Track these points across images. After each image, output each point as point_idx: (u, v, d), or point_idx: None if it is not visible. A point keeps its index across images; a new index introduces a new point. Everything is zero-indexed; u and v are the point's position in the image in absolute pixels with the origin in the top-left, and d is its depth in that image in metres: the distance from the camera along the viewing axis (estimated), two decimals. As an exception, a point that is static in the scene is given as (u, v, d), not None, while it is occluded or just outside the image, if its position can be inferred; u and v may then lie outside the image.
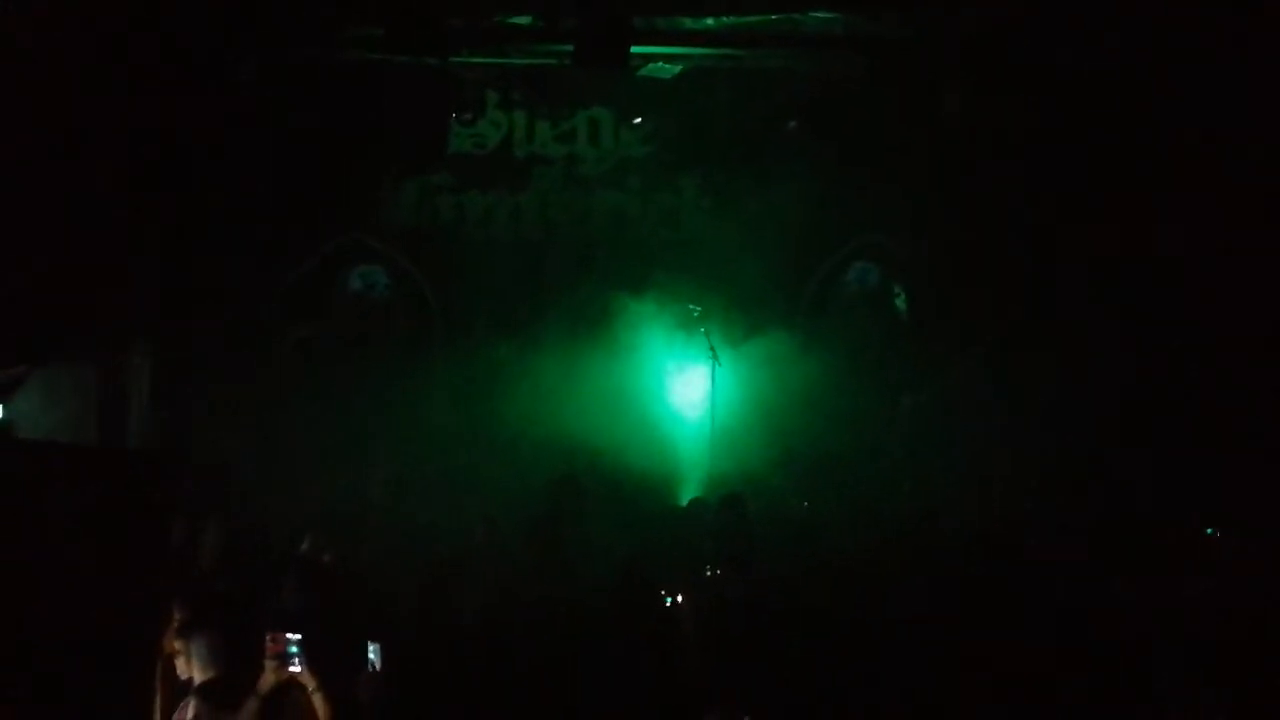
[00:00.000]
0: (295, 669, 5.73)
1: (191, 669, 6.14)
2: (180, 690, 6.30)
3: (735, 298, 11.96)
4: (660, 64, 11.77)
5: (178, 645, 6.38)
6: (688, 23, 11.12)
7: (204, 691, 6.06)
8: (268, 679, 5.83)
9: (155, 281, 11.07)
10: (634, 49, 10.86)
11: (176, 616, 6.57)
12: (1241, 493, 8.76)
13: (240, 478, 9.81)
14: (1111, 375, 10.57)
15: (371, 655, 6.06)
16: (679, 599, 7.10)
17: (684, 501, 10.83)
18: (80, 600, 7.44)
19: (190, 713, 5.99)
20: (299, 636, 5.76)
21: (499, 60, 11.92)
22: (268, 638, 5.86)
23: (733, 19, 11.01)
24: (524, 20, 10.84)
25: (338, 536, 8.04)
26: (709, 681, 6.28)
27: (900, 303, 12.52)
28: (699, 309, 11.86)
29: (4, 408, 11.02)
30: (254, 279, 11.71)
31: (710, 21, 11.07)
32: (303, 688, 5.74)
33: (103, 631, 6.98)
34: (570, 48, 10.74)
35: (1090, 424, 10.42)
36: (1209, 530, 8.11)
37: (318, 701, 5.68)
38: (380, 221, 12.67)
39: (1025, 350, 11.08)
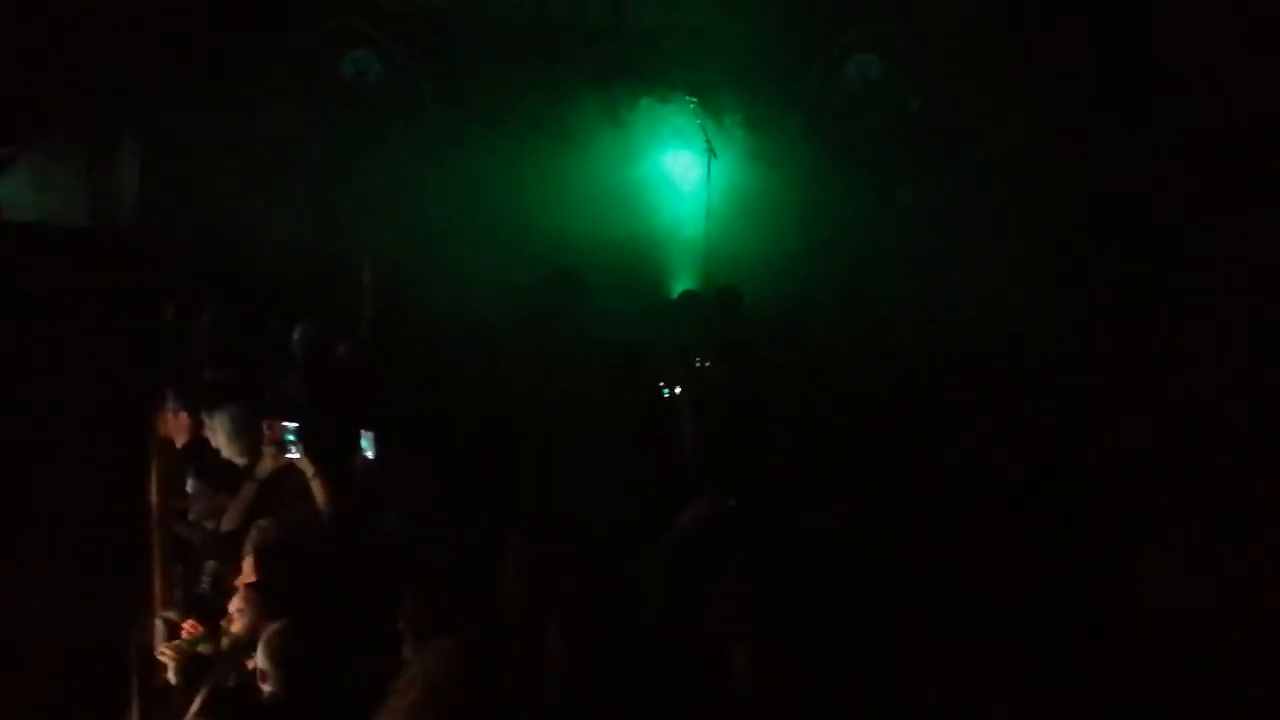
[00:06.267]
0: (293, 455, 5.79)
1: (218, 443, 6.22)
2: (177, 472, 6.39)
3: (733, 89, 11.75)
4: None
5: (173, 422, 6.46)
6: None
7: (200, 471, 6.14)
8: (265, 464, 5.89)
9: (145, 62, 10.83)
10: None
11: (171, 398, 6.64)
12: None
13: (232, 260, 9.78)
14: (1114, 170, 10.44)
15: (364, 443, 6.11)
16: (677, 390, 7.14)
17: (676, 293, 10.86)
18: (71, 381, 7.52)
19: (189, 489, 6.09)
20: (296, 424, 5.80)
21: None
22: (264, 424, 5.91)
23: None
24: None
25: (333, 323, 8.05)
26: (701, 470, 6.34)
27: (906, 96, 12.27)
28: (695, 99, 11.67)
29: (-5, 189, 10.93)
30: (245, 61, 11.46)
31: None
32: (301, 473, 5.80)
33: (96, 411, 7.05)
34: None
35: (1090, 218, 10.33)
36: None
37: (316, 487, 5.74)
38: (372, 5, 12.35)
39: (1025, 146, 10.92)
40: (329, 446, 5.96)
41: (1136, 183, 10.35)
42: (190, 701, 4.57)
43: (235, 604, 4.98)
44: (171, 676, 4.95)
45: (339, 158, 11.58)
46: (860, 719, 4.26)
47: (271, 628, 4.56)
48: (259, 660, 4.52)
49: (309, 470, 5.77)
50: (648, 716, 4.40)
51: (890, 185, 11.70)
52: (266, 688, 4.48)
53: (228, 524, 5.79)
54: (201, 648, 5.08)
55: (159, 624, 5.13)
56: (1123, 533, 5.47)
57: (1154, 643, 4.83)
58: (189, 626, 5.15)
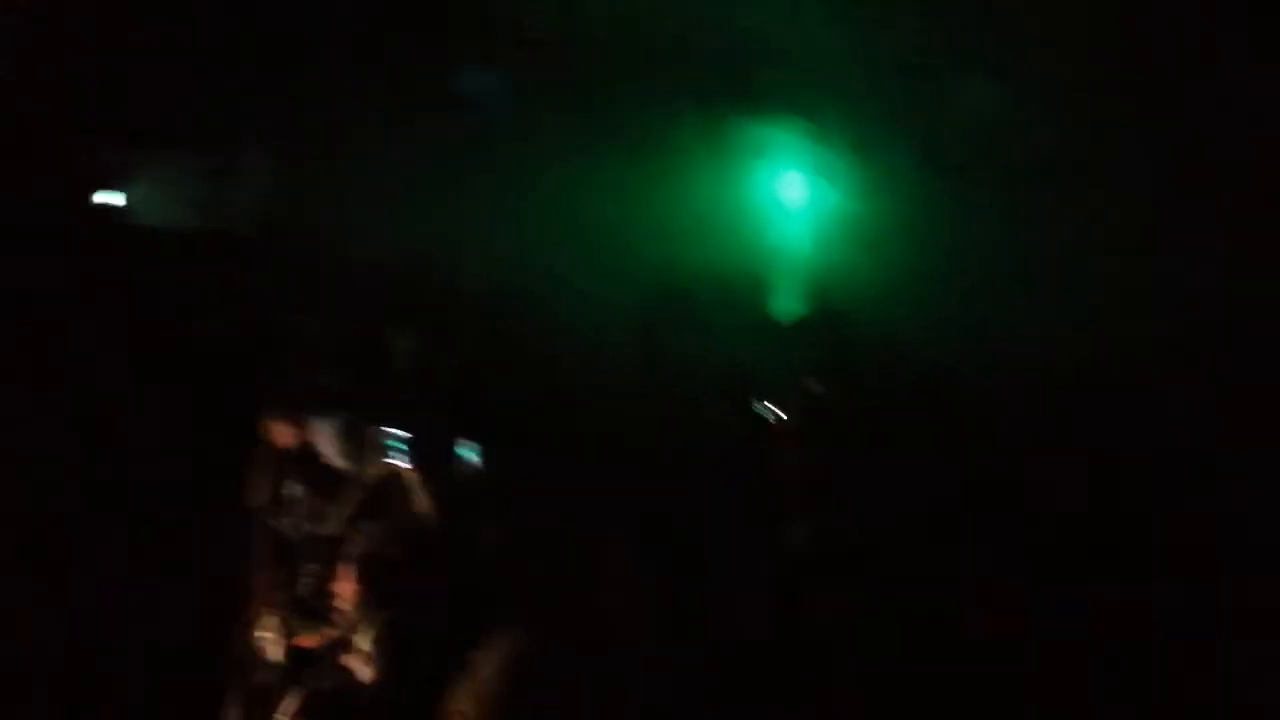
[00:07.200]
0: (398, 463, 5.76)
1: (322, 449, 6.25)
2: (281, 475, 6.44)
3: (844, 109, 11.65)
4: None
5: (281, 428, 6.51)
6: None
7: (303, 475, 6.17)
8: (370, 472, 5.89)
9: (266, 66, 11.02)
10: None
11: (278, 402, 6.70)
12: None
13: (348, 270, 9.91)
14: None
15: (468, 452, 6.08)
16: (782, 411, 7.06)
17: (784, 316, 10.78)
18: (186, 382, 7.66)
19: (292, 492, 6.12)
20: (402, 433, 5.79)
21: None
22: (371, 433, 5.91)
23: None
24: None
25: (440, 331, 8.06)
26: (807, 490, 6.26)
27: (1025, 123, 12.00)
28: (807, 121, 11.60)
29: (117, 194, 11.20)
30: (364, 74, 11.61)
31: None
32: (404, 481, 5.77)
33: (208, 410, 7.18)
34: None
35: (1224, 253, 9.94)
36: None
37: (420, 495, 5.70)
38: (489, 26, 12.43)
39: (1155, 175, 10.61)
40: (433, 455, 5.95)
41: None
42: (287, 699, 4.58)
43: (342, 602, 4.99)
44: (273, 656, 4.99)
45: (449, 171, 11.65)
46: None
47: (379, 615, 4.57)
48: (364, 645, 4.53)
49: (413, 479, 5.74)
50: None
51: (1007, 218, 11.46)
52: (368, 674, 4.49)
53: (331, 528, 5.80)
54: (303, 639, 5.12)
55: (270, 620, 5.20)
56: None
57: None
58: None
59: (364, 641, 4.57)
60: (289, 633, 5.17)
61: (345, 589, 5.08)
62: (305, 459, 6.37)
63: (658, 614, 5.12)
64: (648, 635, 4.82)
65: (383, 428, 5.92)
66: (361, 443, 6.08)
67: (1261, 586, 5.48)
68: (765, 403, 7.47)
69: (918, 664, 4.54)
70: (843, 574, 5.06)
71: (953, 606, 5.09)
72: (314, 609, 5.40)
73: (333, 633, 5.11)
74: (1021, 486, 6.32)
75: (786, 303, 11.19)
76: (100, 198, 11.05)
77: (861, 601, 4.82)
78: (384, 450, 5.84)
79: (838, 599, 4.80)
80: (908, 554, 5.50)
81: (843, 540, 5.51)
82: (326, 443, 6.33)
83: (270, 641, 5.17)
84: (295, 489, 6.17)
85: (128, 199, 11.16)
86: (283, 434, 6.62)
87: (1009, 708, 4.62)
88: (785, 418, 7.29)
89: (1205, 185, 10.10)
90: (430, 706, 4.33)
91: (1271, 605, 5.36)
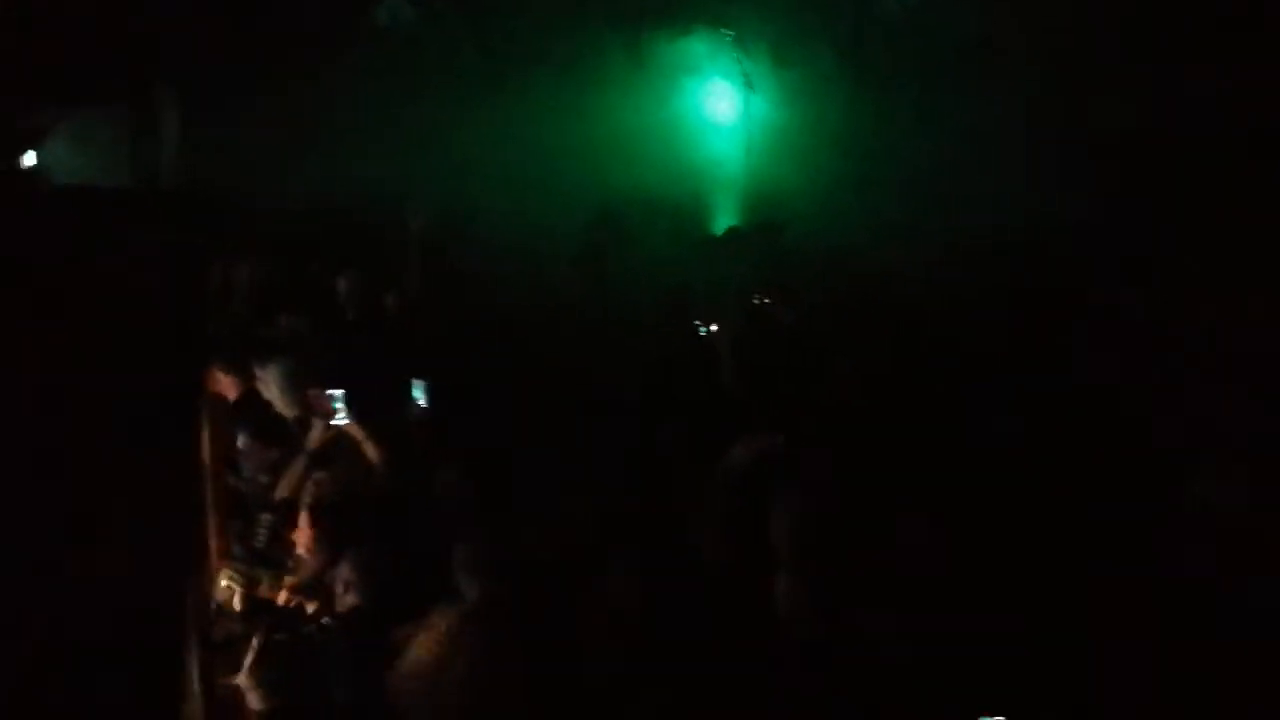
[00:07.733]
0: (342, 422, 5.71)
1: (270, 396, 6.22)
2: (229, 428, 6.44)
3: (769, 20, 11.61)
4: None
5: (225, 379, 6.51)
6: None
7: (251, 427, 6.15)
8: (315, 436, 5.86)
9: (181, 21, 10.84)
10: None
11: (220, 354, 6.70)
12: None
13: (274, 214, 9.83)
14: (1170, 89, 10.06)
15: (417, 394, 6.04)
16: (714, 327, 7.09)
17: (720, 230, 10.81)
18: (119, 340, 7.63)
19: (241, 444, 6.12)
20: (342, 391, 5.72)
21: None
22: (310, 394, 5.85)
23: None
24: None
25: (380, 274, 8.01)
26: (747, 408, 6.32)
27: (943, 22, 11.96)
28: (732, 32, 11.56)
29: (36, 154, 11.04)
30: (280, 13, 11.44)
31: None
32: (351, 439, 5.73)
33: (146, 370, 7.16)
34: None
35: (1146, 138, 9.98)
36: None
37: (369, 449, 5.68)
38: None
39: (1073, 66, 10.63)
40: (378, 402, 5.91)
41: (1194, 103, 9.93)
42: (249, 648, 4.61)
43: (303, 548, 5.02)
44: (235, 604, 5.03)
45: (376, 106, 11.55)
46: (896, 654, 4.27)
47: (359, 545, 4.62)
48: (345, 573, 4.58)
49: (359, 434, 5.70)
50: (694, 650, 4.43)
51: (931, 112, 11.49)
52: (349, 600, 4.54)
53: (281, 492, 5.78)
54: (263, 588, 5.16)
55: (231, 574, 5.22)
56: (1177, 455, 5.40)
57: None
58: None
59: (346, 570, 4.63)
60: (248, 583, 5.19)
61: (301, 537, 5.12)
62: (251, 410, 6.36)
63: (615, 536, 5.20)
64: (611, 557, 4.89)
65: (324, 389, 5.85)
66: (307, 389, 6.05)
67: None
68: (697, 319, 7.48)
69: (866, 571, 4.62)
70: (789, 485, 5.11)
71: (894, 511, 5.16)
72: (271, 558, 5.42)
73: (292, 580, 5.16)
74: (960, 391, 6.39)
75: (720, 217, 11.22)
76: (19, 159, 10.92)
77: (808, 511, 4.87)
78: (329, 412, 5.77)
79: (786, 510, 4.85)
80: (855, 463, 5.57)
81: (789, 452, 5.56)
82: (272, 390, 6.31)
83: (230, 592, 5.20)
84: (243, 441, 6.16)
85: (45, 159, 11.03)
86: (227, 386, 6.62)
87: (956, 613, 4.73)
88: (715, 332, 7.31)
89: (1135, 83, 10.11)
90: (389, 644, 4.41)
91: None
